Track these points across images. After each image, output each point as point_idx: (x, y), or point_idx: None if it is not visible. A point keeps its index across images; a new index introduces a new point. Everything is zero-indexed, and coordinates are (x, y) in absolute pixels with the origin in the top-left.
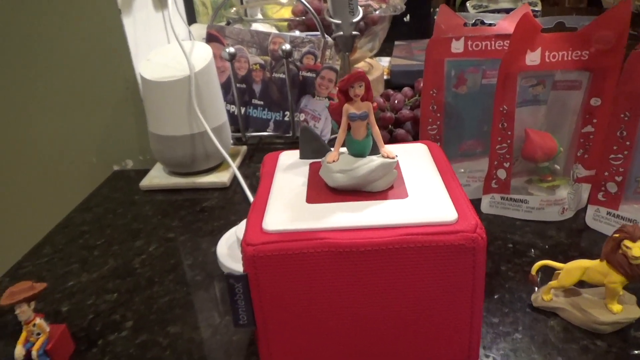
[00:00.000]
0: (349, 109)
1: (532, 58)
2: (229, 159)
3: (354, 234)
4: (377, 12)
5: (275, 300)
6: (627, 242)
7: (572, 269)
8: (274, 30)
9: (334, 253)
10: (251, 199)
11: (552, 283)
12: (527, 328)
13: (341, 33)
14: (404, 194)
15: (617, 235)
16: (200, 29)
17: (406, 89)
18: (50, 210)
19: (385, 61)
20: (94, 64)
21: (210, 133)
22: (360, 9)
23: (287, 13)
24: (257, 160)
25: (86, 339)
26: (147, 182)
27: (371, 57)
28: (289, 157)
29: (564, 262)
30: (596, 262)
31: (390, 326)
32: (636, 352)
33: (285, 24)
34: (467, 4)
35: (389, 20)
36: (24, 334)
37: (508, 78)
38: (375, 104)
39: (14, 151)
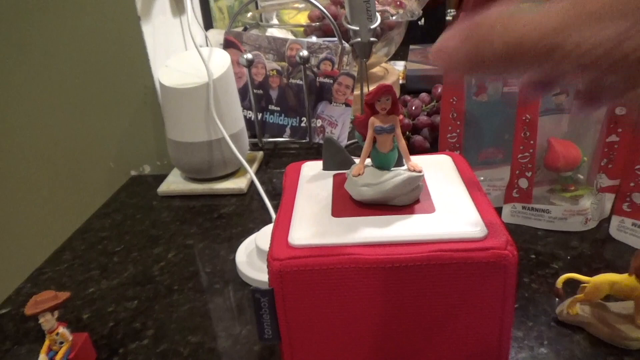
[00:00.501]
0: (375, 122)
1: None
2: (247, 166)
3: (380, 249)
4: (394, 17)
5: (300, 315)
6: None
7: (600, 283)
8: (290, 36)
9: (360, 269)
10: (269, 205)
11: (579, 297)
12: (553, 342)
13: (359, 39)
14: (430, 209)
15: None
16: (217, 34)
17: (423, 95)
18: (69, 215)
19: (399, 65)
20: (112, 70)
21: (228, 139)
22: (378, 15)
23: (303, 18)
24: (273, 166)
25: (107, 348)
26: (164, 187)
27: (386, 62)
28: (312, 168)
29: (588, 273)
30: (624, 276)
31: (416, 343)
32: None
33: (302, 29)
34: None
35: (405, 25)
36: (47, 343)
37: None
38: (401, 117)
39: (33, 157)
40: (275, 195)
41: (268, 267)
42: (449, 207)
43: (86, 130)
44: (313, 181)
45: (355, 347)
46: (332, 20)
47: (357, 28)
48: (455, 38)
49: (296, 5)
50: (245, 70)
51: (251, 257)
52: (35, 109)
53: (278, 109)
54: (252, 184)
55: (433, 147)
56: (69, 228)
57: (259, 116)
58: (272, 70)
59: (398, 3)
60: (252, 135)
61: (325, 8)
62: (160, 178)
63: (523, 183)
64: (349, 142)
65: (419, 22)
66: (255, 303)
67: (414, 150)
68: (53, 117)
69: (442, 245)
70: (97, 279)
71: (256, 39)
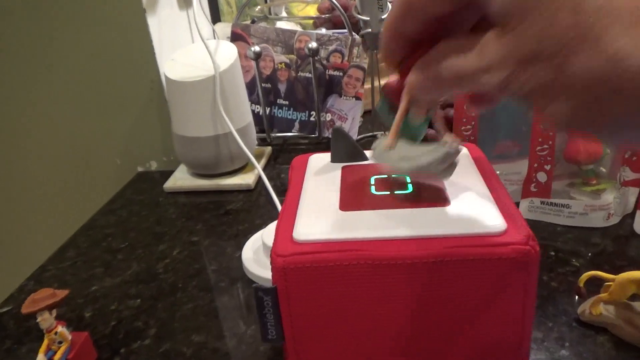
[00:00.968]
0: None
1: None
2: (254, 161)
3: (391, 245)
4: None
5: (306, 314)
6: None
7: (625, 282)
8: (299, 29)
9: (369, 266)
10: (277, 201)
11: (602, 296)
12: (575, 344)
13: (369, 30)
14: (445, 202)
15: None
16: (224, 27)
17: None
18: (76, 212)
19: None
20: (118, 64)
21: (235, 134)
22: (389, 5)
23: (312, 10)
24: (282, 162)
25: (109, 347)
26: (170, 183)
27: None
28: (319, 160)
29: (611, 271)
30: None
31: (429, 345)
32: None
33: (311, 22)
34: None
35: None
36: (45, 342)
37: None
38: None
39: (40, 154)
40: (283, 191)
41: (271, 263)
42: (465, 200)
43: (92, 126)
44: (320, 174)
45: (363, 348)
46: (342, 11)
47: (368, 18)
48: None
49: None
50: (253, 63)
51: (258, 254)
52: (41, 106)
53: (287, 103)
54: (259, 179)
55: None
56: (75, 225)
57: (267, 110)
58: (281, 63)
59: None
60: (260, 130)
61: None
62: (167, 174)
63: (542, 177)
64: (360, 136)
65: None
66: (258, 302)
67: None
68: (59, 114)
69: (458, 241)
70: (101, 277)
71: (264, 32)
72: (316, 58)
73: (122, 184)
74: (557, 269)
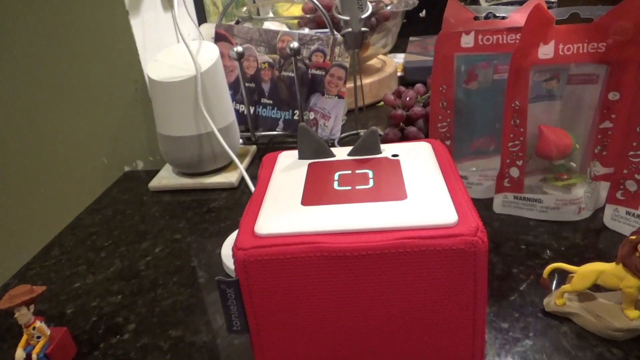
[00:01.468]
0: None
1: (545, 51)
2: (236, 159)
3: (347, 237)
4: (389, 7)
5: (267, 305)
6: None
7: (586, 273)
8: (284, 29)
9: (326, 257)
10: None
11: (565, 287)
12: (539, 334)
13: (350, 30)
14: (402, 195)
15: (633, 237)
16: (210, 28)
17: (418, 86)
18: (63, 211)
19: (400, 58)
20: (103, 65)
21: (217, 133)
22: (370, 5)
23: (297, 11)
24: None
25: (88, 342)
26: (155, 183)
27: (385, 54)
28: (288, 158)
29: (580, 264)
30: (612, 265)
31: (386, 333)
32: None
33: (296, 22)
34: None
35: (401, 15)
36: (24, 338)
37: (520, 72)
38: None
39: (26, 154)
40: None
41: (233, 257)
42: (422, 194)
43: (78, 127)
44: (287, 170)
45: (325, 337)
46: (323, 11)
47: (348, 18)
48: None
49: None
50: (236, 63)
51: None
52: (26, 107)
53: (270, 102)
54: (243, 178)
55: None
56: (62, 224)
57: (252, 110)
58: (264, 63)
59: None
60: (245, 129)
61: (317, 0)
62: (153, 173)
63: (514, 172)
64: (343, 134)
65: (420, 14)
66: (222, 294)
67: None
68: (45, 115)
69: (411, 233)
70: (84, 274)
71: (247, 32)
72: (298, 57)
73: (109, 184)
74: (527, 262)
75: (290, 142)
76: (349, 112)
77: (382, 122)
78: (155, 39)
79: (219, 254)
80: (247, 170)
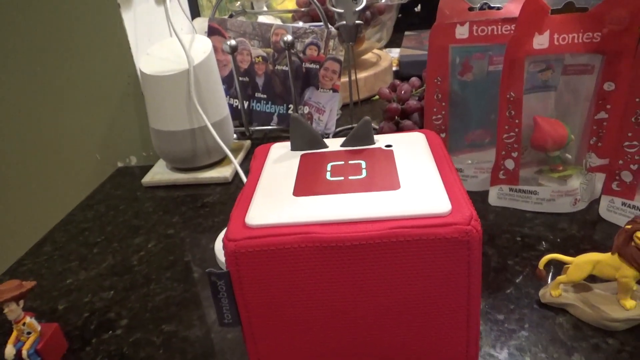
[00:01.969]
0: None
1: (540, 41)
2: (229, 153)
3: (340, 227)
4: (384, 0)
5: (259, 297)
6: None
7: (582, 263)
8: (278, 22)
9: (318, 248)
10: None
11: (561, 278)
12: (534, 325)
13: (344, 22)
14: (396, 185)
15: (629, 226)
16: (203, 23)
17: (414, 79)
18: (55, 208)
19: (395, 52)
20: (95, 60)
21: (210, 127)
22: None
23: (291, 4)
24: None
25: (80, 338)
26: (149, 178)
27: (380, 49)
28: (280, 149)
29: (576, 256)
30: (607, 255)
31: (380, 324)
32: None
33: (290, 15)
34: None
35: (396, 9)
36: (14, 334)
37: (514, 63)
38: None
39: (18, 150)
40: None
41: (224, 248)
42: (415, 184)
43: (70, 122)
44: (279, 161)
45: (318, 329)
46: (317, 4)
47: (342, 11)
48: None
49: None
50: (230, 57)
51: None
52: (17, 103)
53: (265, 96)
54: (237, 172)
55: None
56: (54, 221)
57: (246, 104)
58: (258, 57)
59: None
60: (240, 124)
61: None
62: (147, 169)
63: (509, 164)
64: (338, 129)
65: (415, 9)
66: (212, 286)
67: None
68: (36, 110)
69: (404, 222)
70: (76, 270)
71: (240, 25)
72: (292, 51)
73: (102, 180)
74: (523, 254)
75: (285, 136)
76: (344, 107)
77: (377, 116)
78: (148, 32)
79: (213, 248)
80: (241, 165)
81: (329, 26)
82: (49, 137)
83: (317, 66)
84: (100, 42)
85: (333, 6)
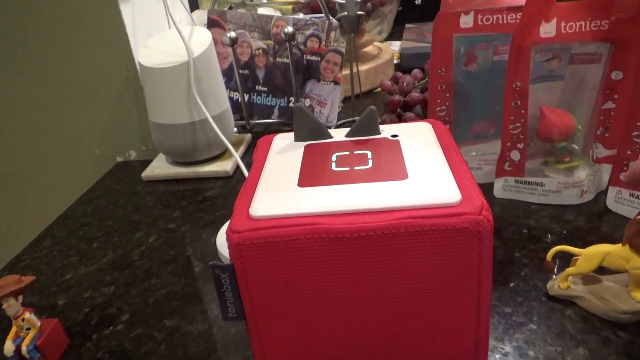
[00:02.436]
0: None
1: (547, 30)
2: (230, 147)
3: (347, 218)
4: None
5: (264, 290)
6: None
7: (591, 255)
8: (278, 14)
9: (325, 239)
10: None
11: (570, 270)
12: (543, 318)
13: (345, 13)
14: (403, 175)
15: None
16: (202, 15)
17: (416, 71)
18: (54, 202)
19: (396, 45)
20: (93, 53)
21: (210, 120)
22: None
23: None
24: None
25: (81, 334)
26: (149, 172)
27: (381, 41)
28: (283, 140)
29: (583, 247)
30: (618, 246)
31: (389, 317)
32: None
33: (290, 7)
34: None
35: (397, 1)
36: (13, 329)
37: (521, 52)
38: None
39: (17, 144)
40: None
41: (227, 241)
42: (423, 174)
43: (69, 117)
44: (283, 152)
45: (324, 323)
46: None
47: (344, 1)
48: None
49: None
50: (230, 49)
51: None
52: (15, 97)
53: (265, 89)
54: (238, 166)
55: None
56: (54, 216)
57: (246, 97)
58: (258, 49)
59: None
60: (241, 117)
61: None
62: (146, 163)
63: (515, 155)
64: (339, 122)
65: (416, 1)
66: (216, 279)
67: None
68: (34, 105)
69: (413, 212)
70: (76, 265)
71: (240, 17)
72: (293, 43)
73: (101, 174)
74: (530, 246)
75: (286, 130)
76: (346, 100)
77: (379, 108)
78: (146, 25)
79: (214, 242)
80: (242, 158)
81: (330, 17)
82: (47, 132)
83: (319, 58)
84: (98, 35)
85: None
